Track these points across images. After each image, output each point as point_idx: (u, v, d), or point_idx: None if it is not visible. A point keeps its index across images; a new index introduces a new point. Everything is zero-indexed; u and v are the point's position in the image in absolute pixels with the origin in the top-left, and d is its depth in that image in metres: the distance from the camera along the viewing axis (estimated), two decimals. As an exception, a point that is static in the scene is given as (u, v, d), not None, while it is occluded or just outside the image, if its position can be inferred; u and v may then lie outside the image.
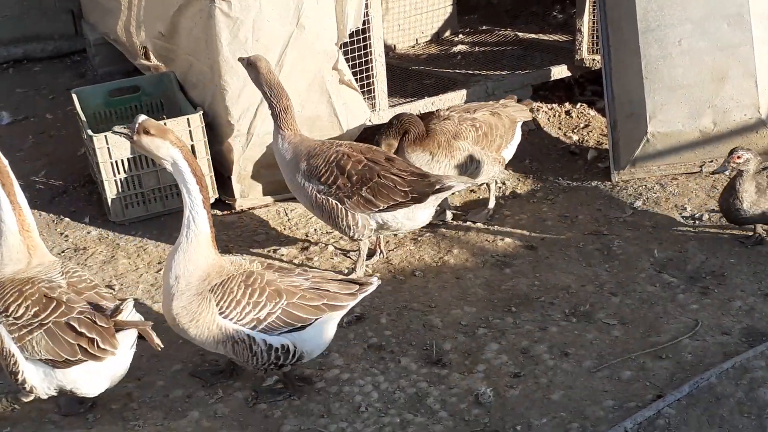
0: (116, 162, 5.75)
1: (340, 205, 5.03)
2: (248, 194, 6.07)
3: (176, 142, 4.20)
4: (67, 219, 6.04)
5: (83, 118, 5.96)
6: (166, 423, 4.25)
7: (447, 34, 7.85)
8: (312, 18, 5.67)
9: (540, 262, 5.35)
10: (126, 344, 4.05)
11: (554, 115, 7.00)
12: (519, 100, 6.10)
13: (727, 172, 5.24)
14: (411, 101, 6.47)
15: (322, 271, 5.17)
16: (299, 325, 4.18)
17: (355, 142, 5.46)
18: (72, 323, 3.95)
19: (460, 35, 7.86)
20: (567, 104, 7.07)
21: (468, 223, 5.77)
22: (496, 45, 7.60)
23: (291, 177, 5.23)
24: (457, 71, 7.01)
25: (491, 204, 5.86)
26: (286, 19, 5.62)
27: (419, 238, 5.64)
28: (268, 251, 5.59)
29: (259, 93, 5.74)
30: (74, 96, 6.22)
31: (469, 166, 5.56)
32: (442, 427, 4.16)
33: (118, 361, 4.06)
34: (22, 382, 4.03)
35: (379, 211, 5.02)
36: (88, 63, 8.35)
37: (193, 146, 5.86)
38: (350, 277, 4.75)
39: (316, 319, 4.20)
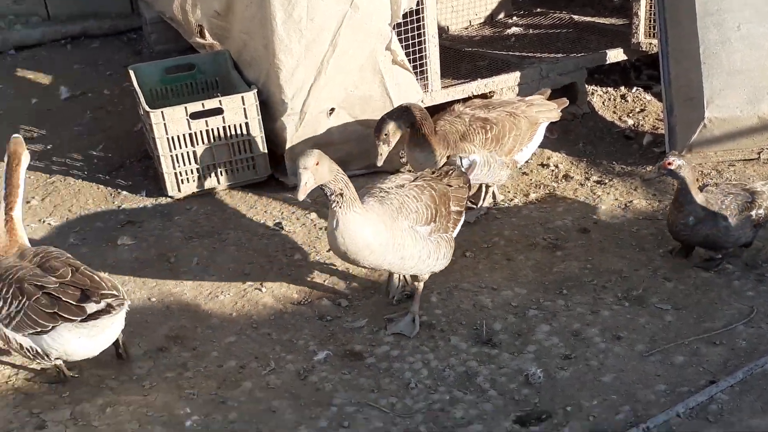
0: (172, 138, 5.83)
1: None
2: (300, 172, 6.11)
3: None
4: (124, 192, 6.14)
5: (141, 94, 6.05)
6: (219, 392, 4.32)
7: (501, 16, 7.81)
8: (366, -2, 5.68)
9: (592, 246, 5.32)
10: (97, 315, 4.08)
11: (609, 99, 6.94)
12: (552, 98, 5.90)
13: None
14: (463, 83, 6.45)
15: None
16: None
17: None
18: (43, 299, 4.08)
19: (514, 17, 7.81)
20: (622, 88, 7.01)
21: (513, 203, 5.74)
22: (551, 28, 7.53)
23: None
24: (511, 53, 6.97)
25: (485, 203, 5.72)
26: (341, -1, 5.65)
27: (470, 219, 5.64)
28: (321, 229, 5.63)
29: (313, 72, 5.79)
30: (131, 73, 6.31)
31: (473, 169, 5.36)
32: (492, 406, 4.17)
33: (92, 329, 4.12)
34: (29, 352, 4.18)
35: None
36: (144, 40, 8.46)
37: (247, 124, 5.93)
38: None
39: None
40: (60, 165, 6.53)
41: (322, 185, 4.18)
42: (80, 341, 4.14)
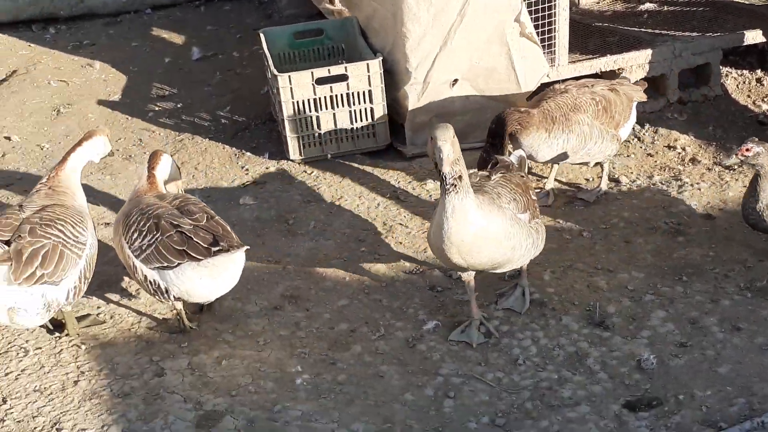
0: (297, 102, 5.93)
1: None
2: (418, 142, 6.12)
3: None
4: (248, 154, 6.30)
5: (269, 57, 6.16)
6: (330, 354, 4.41)
7: (635, -9, 7.57)
8: (498, -32, 5.61)
9: (717, 233, 5.15)
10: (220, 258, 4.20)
11: (744, 82, 6.66)
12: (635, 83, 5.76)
13: None
14: (592, 58, 6.30)
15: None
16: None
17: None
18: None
19: (649, -7, 7.56)
20: (758, 71, 6.71)
21: (635, 185, 5.60)
22: (686, 5, 7.26)
23: None
24: (643, 30, 6.76)
25: (603, 185, 5.57)
26: (472, -32, 5.60)
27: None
28: (435, 200, 5.64)
29: (439, 42, 5.77)
30: (262, 36, 6.44)
31: (588, 142, 5.27)
32: (601, 388, 4.12)
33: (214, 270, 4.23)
34: (152, 287, 4.35)
35: None
36: (274, 5, 8.61)
37: (370, 92, 5.98)
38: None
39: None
40: (189, 123, 6.75)
41: (439, 164, 3.94)
42: (202, 281, 4.26)
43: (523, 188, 4.43)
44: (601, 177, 5.61)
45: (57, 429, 4.01)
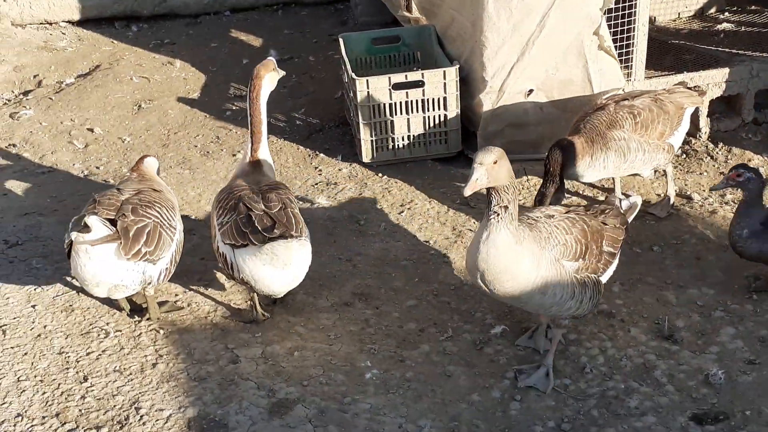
0: (373, 106, 6.05)
1: None
2: (492, 150, 6.19)
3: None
4: (321, 155, 6.44)
5: (347, 62, 6.30)
6: (398, 351, 4.50)
7: (712, 10, 7.56)
8: (580, -19, 5.67)
9: (789, 254, 5.12)
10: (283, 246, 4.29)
11: (821, 106, 6.60)
12: (691, 88, 5.74)
13: None
14: (668, 74, 6.31)
15: None
16: None
17: None
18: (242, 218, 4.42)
19: (726, 13, 7.54)
20: (836, 96, 6.65)
21: (707, 202, 5.59)
22: (765, 26, 7.22)
23: None
24: (720, 49, 6.75)
25: (671, 193, 5.56)
26: (554, -20, 5.66)
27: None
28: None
29: (517, 52, 5.84)
30: (341, 41, 6.58)
31: (628, 156, 5.25)
32: (668, 400, 4.14)
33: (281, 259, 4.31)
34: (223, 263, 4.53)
35: None
36: (350, 12, 8.78)
37: (445, 98, 6.07)
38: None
39: None
40: (265, 123, 6.91)
41: (492, 188, 3.80)
42: (264, 268, 4.35)
43: (590, 236, 4.14)
44: (667, 191, 5.61)
45: (136, 408, 4.16)
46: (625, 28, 6.03)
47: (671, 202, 5.59)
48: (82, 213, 4.48)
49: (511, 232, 3.84)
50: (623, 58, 6.11)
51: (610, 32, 5.96)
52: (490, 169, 3.73)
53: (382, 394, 4.22)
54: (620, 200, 4.60)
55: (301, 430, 3.99)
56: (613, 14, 5.96)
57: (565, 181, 5.23)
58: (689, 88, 5.73)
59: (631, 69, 6.16)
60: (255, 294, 4.64)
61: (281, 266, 4.35)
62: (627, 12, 5.98)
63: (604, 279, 4.28)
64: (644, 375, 4.30)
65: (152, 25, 9.02)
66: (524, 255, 3.90)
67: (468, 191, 3.75)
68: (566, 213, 4.23)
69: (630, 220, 4.56)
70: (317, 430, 4.00)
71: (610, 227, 4.30)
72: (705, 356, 4.40)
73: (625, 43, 6.08)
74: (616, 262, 4.35)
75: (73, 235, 4.27)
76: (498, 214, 3.82)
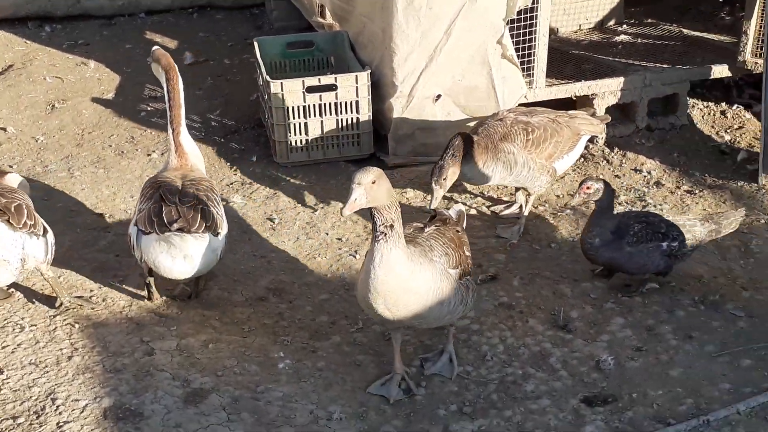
0: (287, 108, 6.23)
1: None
2: (400, 152, 6.44)
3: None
4: (236, 155, 6.60)
5: (262, 65, 6.47)
6: (311, 342, 4.70)
7: (611, 23, 7.98)
8: (485, -9, 5.96)
9: (675, 250, 5.50)
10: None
11: (708, 114, 7.06)
12: (594, 114, 6.06)
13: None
14: (567, 83, 6.66)
15: None
16: None
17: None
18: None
19: (624, 25, 7.96)
20: (723, 104, 7.12)
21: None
22: (659, 39, 7.67)
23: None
24: (617, 60, 7.15)
25: (522, 221, 5.67)
26: (461, -9, 5.94)
27: (558, 214, 5.88)
28: (416, 207, 5.95)
29: (425, 59, 6.11)
30: (256, 44, 6.74)
31: (513, 170, 5.44)
32: (561, 384, 4.44)
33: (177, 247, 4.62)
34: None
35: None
36: (265, 16, 8.93)
37: (357, 102, 6.30)
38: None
39: None
40: (180, 124, 7.02)
41: (373, 208, 3.77)
42: (162, 255, 4.63)
43: (456, 243, 4.29)
44: (521, 214, 5.72)
45: (52, 399, 4.25)
46: (528, 38, 6.36)
47: (521, 229, 5.66)
48: None
49: (402, 250, 3.84)
50: (525, 66, 6.43)
51: (513, 42, 6.27)
52: (369, 189, 3.70)
53: (294, 383, 4.41)
54: (448, 209, 4.81)
55: (215, 417, 4.15)
56: (515, 24, 6.27)
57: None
58: (593, 115, 5.98)
59: (532, 77, 6.49)
60: (152, 278, 4.89)
61: (178, 256, 4.62)
62: (529, 23, 6.31)
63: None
64: (540, 362, 4.60)
65: (66, 25, 8.99)
66: (421, 270, 3.95)
67: (347, 211, 3.72)
68: (429, 227, 4.31)
69: (464, 226, 4.71)
70: (231, 416, 4.16)
71: (461, 233, 4.48)
72: (596, 344, 4.72)
73: (527, 52, 6.41)
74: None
75: None
76: (385, 234, 3.78)
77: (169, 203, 4.64)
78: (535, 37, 6.37)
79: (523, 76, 6.42)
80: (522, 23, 6.30)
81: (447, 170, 5.31)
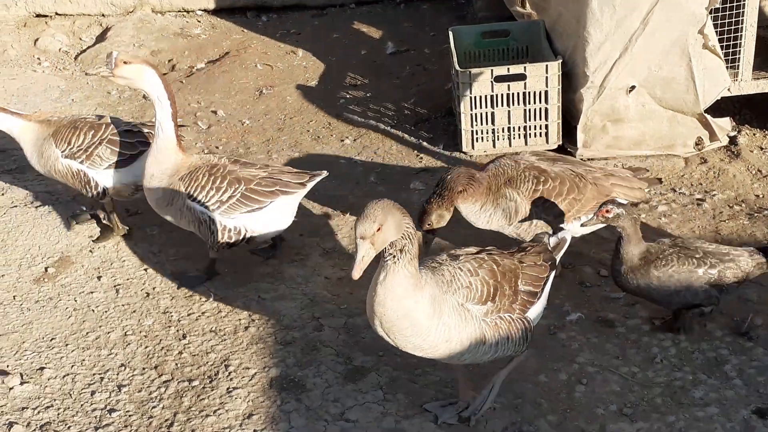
0: (475, 97, 6.24)
1: None
2: (590, 145, 6.27)
3: (150, 64, 4.89)
4: (424, 143, 6.69)
5: (455, 54, 6.51)
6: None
7: (837, 11, 7.33)
8: (685, -21, 5.68)
9: None
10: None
11: None
12: (640, 174, 5.06)
13: None
14: (777, 76, 6.22)
15: (281, 166, 5.42)
16: (255, 207, 4.91)
17: None
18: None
19: None
20: None
21: None
22: None
23: None
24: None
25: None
26: (658, -22, 5.69)
27: (755, 215, 5.51)
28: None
29: (619, 48, 5.90)
30: (450, 33, 6.79)
31: (512, 220, 4.72)
32: (734, 393, 4.18)
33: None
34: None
35: None
36: (469, 6, 8.96)
37: (546, 92, 6.19)
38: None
39: (270, 203, 4.92)
40: (375, 112, 7.22)
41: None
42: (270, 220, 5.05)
43: (501, 275, 3.82)
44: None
45: (225, 365, 4.53)
46: (733, 28, 5.98)
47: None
48: None
49: (409, 274, 3.50)
50: (729, 57, 6.06)
51: (717, 31, 5.93)
52: (375, 238, 3.36)
53: (451, 369, 4.43)
54: (548, 236, 4.28)
55: (372, 395, 4.26)
56: (719, 14, 5.92)
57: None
58: (643, 178, 5.01)
59: (737, 69, 6.10)
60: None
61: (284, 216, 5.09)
62: (735, 12, 5.93)
63: (531, 315, 3.95)
64: (714, 368, 4.36)
65: (281, 15, 9.47)
66: (424, 300, 3.57)
67: (356, 273, 3.37)
68: (475, 253, 3.91)
69: (559, 256, 4.24)
70: (387, 396, 4.26)
71: (527, 265, 3.98)
72: None
73: (732, 42, 6.03)
74: (541, 300, 4.04)
75: None
76: (395, 257, 3.46)
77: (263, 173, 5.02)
78: (742, 27, 5.98)
79: (727, 67, 6.05)
80: (726, 12, 5.94)
81: (429, 217, 4.67)
